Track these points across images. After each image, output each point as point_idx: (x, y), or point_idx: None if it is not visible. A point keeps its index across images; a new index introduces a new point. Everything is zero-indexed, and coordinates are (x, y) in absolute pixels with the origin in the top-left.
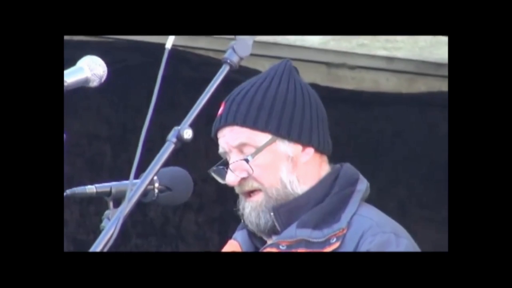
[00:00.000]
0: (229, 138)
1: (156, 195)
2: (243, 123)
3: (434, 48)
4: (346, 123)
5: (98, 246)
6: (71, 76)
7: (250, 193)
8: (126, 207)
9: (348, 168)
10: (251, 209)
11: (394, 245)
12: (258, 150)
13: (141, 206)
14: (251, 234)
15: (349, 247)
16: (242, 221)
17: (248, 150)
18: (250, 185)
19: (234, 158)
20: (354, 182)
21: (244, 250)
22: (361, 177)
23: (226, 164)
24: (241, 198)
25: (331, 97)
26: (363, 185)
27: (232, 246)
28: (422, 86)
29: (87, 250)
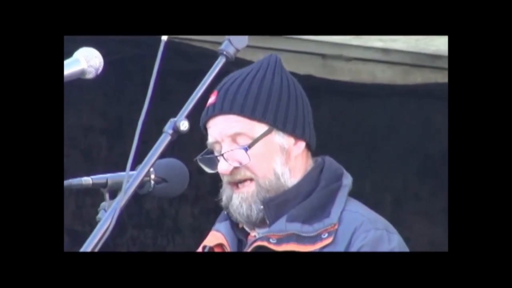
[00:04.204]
0: (224, 127)
1: (152, 186)
2: (241, 112)
3: (430, 39)
4: (342, 115)
5: (95, 237)
6: (68, 68)
7: (239, 183)
8: (122, 198)
9: (331, 162)
10: (242, 200)
11: (387, 242)
12: (255, 140)
13: (137, 197)
14: (234, 226)
15: (341, 243)
16: (224, 212)
17: (243, 140)
18: (243, 174)
19: (227, 148)
20: (339, 177)
21: (229, 241)
22: (345, 171)
23: (211, 153)
24: (227, 188)
25: (327, 88)
26: (348, 179)
27: (217, 238)
28: (418, 77)
29: (83, 241)
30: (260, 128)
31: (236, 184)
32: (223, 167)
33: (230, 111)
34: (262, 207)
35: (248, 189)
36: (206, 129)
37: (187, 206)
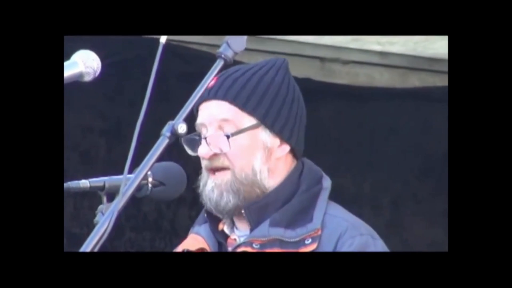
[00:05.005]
0: (214, 111)
1: (150, 189)
2: (233, 101)
3: (429, 42)
4: (339, 118)
5: (92, 240)
6: (65, 71)
7: (216, 171)
8: (120, 201)
9: (310, 164)
10: (215, 186)
11: (372, 247)
12: (240, 130)
13: (135, 200)
14: (214, 229)
15: (327, 249)
16: (204, 214)
17: (229, 128)
18: (221, 162)
19: (211, 132)
20: (319, 180)
21: (210, 245)
22: (324, 174)
23: (198, 136)
24: (204, 174)
25: (325, 91)
26: (327, 182)
27: (198, 241)
28: (416, 81)
29: (81, 243)
30: (248, 120)
31: (213, 170)
32: (203, 151)
33: (223, 97)
34: (235, 199)
35: (223, 177)
36: (197, 111)
37: (185, 209)
